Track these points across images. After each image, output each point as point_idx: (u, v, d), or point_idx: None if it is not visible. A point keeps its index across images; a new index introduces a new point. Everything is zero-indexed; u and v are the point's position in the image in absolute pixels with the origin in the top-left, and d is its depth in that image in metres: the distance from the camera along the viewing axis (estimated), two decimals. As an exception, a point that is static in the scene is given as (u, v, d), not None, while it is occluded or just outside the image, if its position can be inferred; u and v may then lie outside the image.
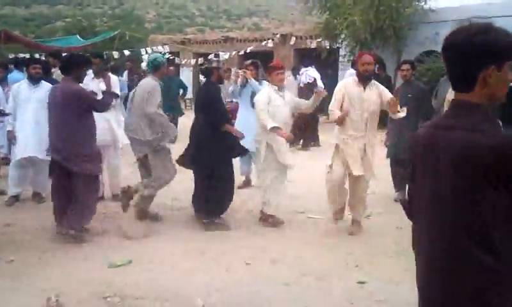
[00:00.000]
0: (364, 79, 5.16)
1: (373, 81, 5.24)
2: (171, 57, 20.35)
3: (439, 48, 14.52)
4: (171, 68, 12.21)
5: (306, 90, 11.32)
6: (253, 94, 6.39)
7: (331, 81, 18.01)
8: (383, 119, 6.01)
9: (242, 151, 5.84)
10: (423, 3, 15.11)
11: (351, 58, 15.77)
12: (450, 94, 5.00)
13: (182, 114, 11.87)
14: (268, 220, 5.64)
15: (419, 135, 1.82)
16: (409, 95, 6.53)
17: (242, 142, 6.82)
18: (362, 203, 5.42)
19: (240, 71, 7.11)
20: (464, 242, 1.60)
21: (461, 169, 1.58)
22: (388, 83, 11.92)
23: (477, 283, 1.59)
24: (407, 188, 2.08)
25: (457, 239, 1.62)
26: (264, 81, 6.82)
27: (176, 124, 7.88)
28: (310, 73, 12.02)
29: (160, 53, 20.72)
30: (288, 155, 5.79)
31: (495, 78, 1.61)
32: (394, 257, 4.68)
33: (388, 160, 6.78)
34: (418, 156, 1.82)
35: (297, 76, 11.81)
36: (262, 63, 7.31)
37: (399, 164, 6.60)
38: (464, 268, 1.61)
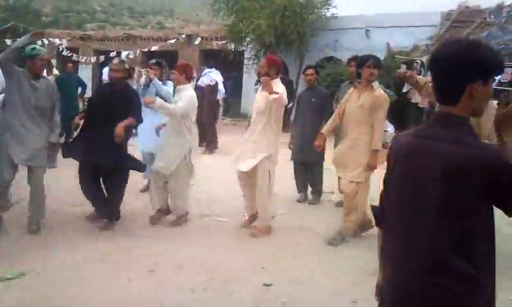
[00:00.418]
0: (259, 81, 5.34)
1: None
2: (69, 54, 19.33)
3: (338, 55, 15.29)
4: (70, 64, 11.56)
5: (207, 91, 11.31)
6: (157, 94, 6.20)
7: (235, 83, 18.23)
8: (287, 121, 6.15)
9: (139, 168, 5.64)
10: (326, 10, 15.67)
11: (256, 61, 16.04)
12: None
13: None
14: (177, 222, 5.60)
15: (399, 144, 1.84)
16: (313, 99, 6.72)
17: (145, 144, 6.64)
18: (261, 205, 5.39)
19: (143, 70, 6.86)
20: (445, 251, 1.63)
21: (446, 180, 1.61)
22: (290, 87, 12.25)
23: (457, 291, 1.63)
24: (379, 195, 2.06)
25: (437, 248, 1.65)
26: (169, 81, 6.66)
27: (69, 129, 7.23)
28: (213, 76, 12.05)
29: (58, 46, 19.71)
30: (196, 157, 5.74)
31: (480, 92, 1.66)
32: (299, 258, 4.76)
33: (291, 162, 6.90)
34: (396, 164, 1.83)
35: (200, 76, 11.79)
36: (167, 63, 7.13)
37: (302, 166, 6.78)
38: (444, 277, 1.64)
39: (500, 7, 13.28)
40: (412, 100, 10.97)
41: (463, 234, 1.61)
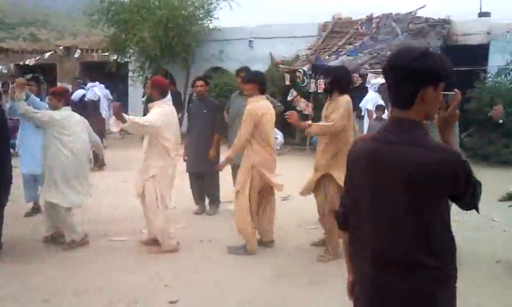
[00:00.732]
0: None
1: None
2: None
3: (224, 65, 15.51)
4: None
5: (91, 107, 10.88)
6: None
7: (121, 95, 17.68)
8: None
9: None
10: (208, 22, 15.82)
11: (141, 73, 15.73)
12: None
13: None
14: (72, 245, 5.30)
15: (359, 148, 1.94)
16: (204, 111, 6.75)
17: (27, 165, 6.21)
18: (154, 227, 5.26)
19: (12, 85, 6.41)
20: (410, 246, 1.77)
21: (411, 180, 1.74)
22: (178, 99, 12.18)
23: (422, 280, 1.77)
24: (340, 200, 2.19)
25: (403, 243, 1.78)
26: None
27: None
28: (97, 91, 11.60)
29: None
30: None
31: (431, 96, 1.81)
32: (202, 271, 4.75)
33: (187, 174, 6.88)
34: (358, 167, 1.93)
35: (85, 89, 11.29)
36: (45, 78, 6.73)
37: (198, 177, 6.78)
38: (412, 270, 1.77)
39: (370, 19, 14.42)
40: (297, 108, 11.46)
41: (425, 229, 1.76)
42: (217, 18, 15.87)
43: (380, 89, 10.51)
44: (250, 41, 15.61)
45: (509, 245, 5.33)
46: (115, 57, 16.43)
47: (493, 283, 4.51)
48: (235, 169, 6.18)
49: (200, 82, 6.89)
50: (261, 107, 5.10)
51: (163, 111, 5.10)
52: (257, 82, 5.24)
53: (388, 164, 1.81)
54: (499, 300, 4.19)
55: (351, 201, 2.01)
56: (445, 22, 13.26)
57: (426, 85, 1.80)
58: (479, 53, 12.39)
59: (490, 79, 11.46)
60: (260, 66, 13.49)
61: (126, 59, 16.43)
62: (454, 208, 2.03)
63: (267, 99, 6.51)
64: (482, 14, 14.41)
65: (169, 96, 5.41)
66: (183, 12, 15.16)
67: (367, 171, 1.89)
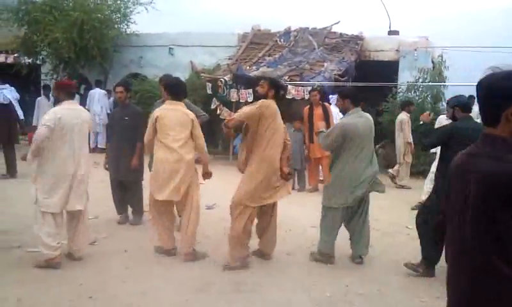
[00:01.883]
0: None
1: None
2: None
3: (143, 72, 15.27)
4: None
5: (1, 111, 10.23)
6: None
7: (33, 98, 16.80)
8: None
9: None
10: (126, 27, 15.51)
11: (55, 76, 15.07)
12: None
13: None
14: None
15: (454, 160, 2.09)
16: (126, 118, 6.60)
17: None
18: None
19: None
20: (487, 255, 1.88)
21: (485, 190, 1.86)
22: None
23: (498, 289, 1.87)
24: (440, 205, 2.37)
25: (480, 249, 1.90)
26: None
27: None
28: (6, 93, 10.94)
29: None
30: None
31: None
32: (128, 281, 4.64)
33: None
34: (452, 177, 2.06)
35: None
36: None
37: (120, 186, 6.62)
38: (487, 277, 1.89)
39: (288, 32, 14.87)
40: (221, 116, 11.56)
41: (499, 239, 1.86)
42: (134, 22, 15.62)
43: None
44: (170, 48, 15.51)
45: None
46: (26, 59, 15.63)
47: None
48: None
49: (119, 88, 6.72)
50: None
51: (51, 111, 4.93)
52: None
53: (465, 174, 1.96)
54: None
55: (448, 212, 2.14)
56: (358, 38, 14.00)
57: (509, 105, 1.89)
58: (390, 69, 13.22)
59: (400, 94, 12.24)
60: (181, 74, 13.45)
61: (38, 62, 15.65)
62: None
63: (190, 107, 6.55)
64: (392, 32, 15.38)
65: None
66: (99, 15, 14.74)
67: (452, 180, 2.08)
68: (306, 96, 11.49)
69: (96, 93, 14.08)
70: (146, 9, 15.41)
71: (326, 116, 9.41)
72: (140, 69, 15.73)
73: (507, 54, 11.86)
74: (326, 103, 9.67)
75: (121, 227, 6.45)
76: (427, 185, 8.27)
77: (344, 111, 5.34)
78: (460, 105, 5.08)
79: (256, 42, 14.91)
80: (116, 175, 6.59)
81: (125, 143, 6.50)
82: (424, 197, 8.20)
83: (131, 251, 5.48)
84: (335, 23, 14.82)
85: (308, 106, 9.63)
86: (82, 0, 14.68)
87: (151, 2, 15.43)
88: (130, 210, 6.73)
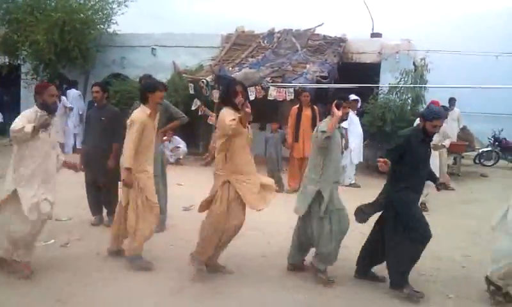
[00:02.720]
0: None
1: None
2: None
3: (126, 72, 15.14)
4: None
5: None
6: None
7: (13, 99, 16.58)
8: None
9: None
10: (107, 27, 15.37)
11: (35, 76, 14.88)
12: None
13: None
14: None
15: None
16: (102, 118, 6.50)
17: None
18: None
19: None
20: None
21: None
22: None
23: None
24: None
25: None
26: None
27: None
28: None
29: None
30: None
31: None
32: (99, 285, 4.54)
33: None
34: None
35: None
36: None
37: (95, 188, 6.52)
38: None
39: (271, 33, 14.84)
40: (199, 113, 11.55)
41: None
42: (116, 22, 15.48)
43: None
44: (153, 48, 15.39)
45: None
46: (7, 60, 15.44)
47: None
48: None
49: (95, 88, 6.62)
50: None
51: (24, 113, 4.73)
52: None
53: None
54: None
55: None
56: (341, 40, 14.02)
57: None
58: (372, 71, 13.26)
59: (381, 96, 12.27)
60: (163, 75, 13.36)
61: (19, 61, 15.46)
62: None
63: (169, 109, 6.46)
64: (374, 34, 15.41)
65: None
66: (81, 15, 14.59)
67: None
68: (288, 98, 11.50)
69: (71, 94, 13.93)
70: (127, 5, 15.30)
71: (314, 118, 9.43)
72: (122, 69, 15.59)
73: (486, 57, 12.00)
74: (315, 106, 9.69)
75: (95, 229, 6.34)
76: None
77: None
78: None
79: (240, 43, 14.86)
80: (91, 176, 6.49)
81: (101, 144, 6.39)
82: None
83: (104, 253, 5.37)
84: (319, 25, 14.82)
85: (297, 106, 9.63)
86: (64, 1, 14.51)
87: (133, 1, 15.34)
88: (105, 211, 6.62)
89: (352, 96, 9.59)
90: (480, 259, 4.13)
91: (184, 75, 13.34)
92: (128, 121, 4.97)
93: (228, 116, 4.51)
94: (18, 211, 4.47)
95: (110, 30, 15.41)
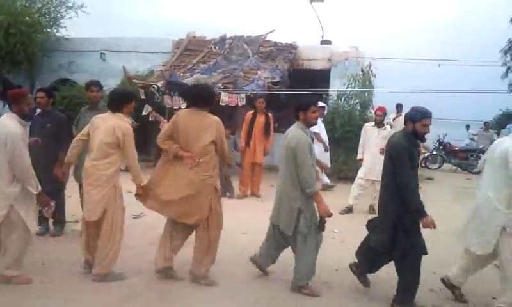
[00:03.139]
0: None
1: None
2: None
3: (74, 77, 14.79)
4: None
5: None
6: None
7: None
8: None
9: None
10: (55, 31, 14.98)
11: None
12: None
13: None
14: None
15: None
16: (48, 124, 6.33)
17: None
18: None
19: None
20: None
21: None
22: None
23: None
24: None
25: None
26: None
27: None
28: None
29: None
30: None
31: None
32: (43, 297, 4.40)
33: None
34: None
35: None
36: None
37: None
38: None
39: (223, 39, 14.89)
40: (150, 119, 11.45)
41: None
42: (65, 27, 15.14)
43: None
44: (102, 53, 15.13)
45: (346, 255, 5.82)
46: None
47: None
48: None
49: (40, 93, 6.45)
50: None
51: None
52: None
53: None
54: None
55: None
56: (292, 47, 14.24)
57: None
58: (322, 77, 13.53)
59: (331, 102, 12.54)
60: (113, 80, 13.15)
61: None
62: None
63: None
64: (324, 42, 15.74)
65: None
66: (27, 18, 14.15)
67: None
68: (240, 103, 11.57)
69: None
70: (76, 13, 14.99)
71: (268, 125, 9.54)
72: (70, 74, 15.24)
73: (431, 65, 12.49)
74: (269, 113, 9.78)
75: (41, 239, 6.14)
76: (354, 190, 8.50)
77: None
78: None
79: (191, 49, 14.84)
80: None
81: (45, 151, 6.19)
82: (351, 201, 8.45)
83: (49, 263, 5.23)
84: (270, 32, 15.01)
85: (252, 111, 9.71)
86: (10, 3, 14.03)
87: (81, 6, 15.02)
88: (51, 221, 6.43)
89: (320, 104, 9.74)
90: (426, 257, 4.28)
91: (134, 80, 13.16)
92: (120, 135, 4.77)
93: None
94: None
95: (58, 34, 15.03)
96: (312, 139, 4.95)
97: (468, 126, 20.37)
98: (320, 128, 9.86)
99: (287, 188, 4.69)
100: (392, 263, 4.56)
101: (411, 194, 4.27)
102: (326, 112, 10.63)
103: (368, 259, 4.83)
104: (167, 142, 4.79)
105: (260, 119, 9.56)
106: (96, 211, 4.76)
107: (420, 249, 4.35)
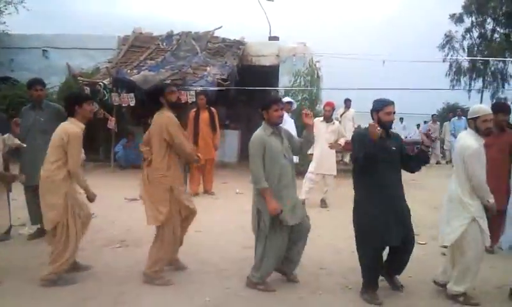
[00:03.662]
0: None
1: None
2: None
3: (15, 75, 14.22)
4: None
5: None
6: None
7: None
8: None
9: None
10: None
11: None
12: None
13: None
14: None
15: None
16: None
17: None
18: None
19: None
20: None
21: None
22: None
23: None
24: None
25: None
26: None
27: None
28: None
29: None
30: None
31: None
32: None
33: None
34: None
35: None
36: None
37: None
38: None
39: (170, 35, 14.72)
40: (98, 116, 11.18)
41: None
42: (5, 22, 14.51)
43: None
44: (45, 50, 14.61)
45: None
46: None
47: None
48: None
49: None
50: None
51: None
52: None
53: None
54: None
55: None
56: (240, 43, 14.26)
57: None
58: (271, 73, 13.65)
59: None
60: (57, 78, 12.73)
61: None
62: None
63: (63, 113, 6.16)
64: (272, 38, 15.88)
65: None
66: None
67: None
68: (190, 100, 11.48)
69: None
70: (17, 9, 14.40)
71: (212, 120, 9.51)
72: (11, 72, 14.63)
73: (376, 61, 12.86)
74: (212, 108, 9.75)
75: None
76: (305, 185, 8.64)
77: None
78: None
79: (138, 45, 14.57)
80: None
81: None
82: (303, 196, 8.54)
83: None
84: (218, 28, 14.95)
85: (194, 110, 9.65)
86: None
87: (21, 2, 14.43)
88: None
89: (286, 99, 9.78)
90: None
91: (79, 78, 12.80)
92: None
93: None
94: None
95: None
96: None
97: (401, 119, 21.23)
98: (288, 123, 9.94)
99: (253, 189, 4.74)
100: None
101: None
102: (294, 107, 10.71)
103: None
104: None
105: (204, 115, 9.53)
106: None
107: None
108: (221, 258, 5.61)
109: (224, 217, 7.69)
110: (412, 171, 4.85)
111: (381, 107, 4.54)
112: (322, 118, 8.84)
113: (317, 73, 12.91)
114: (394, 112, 4.63)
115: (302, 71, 12.61)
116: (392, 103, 4.58)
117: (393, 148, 4.58)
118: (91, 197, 4.84)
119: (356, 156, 4.58)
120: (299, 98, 12.43)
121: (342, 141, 8.87)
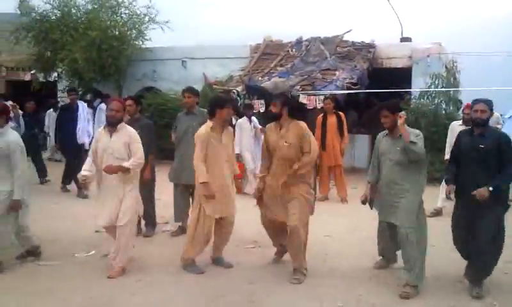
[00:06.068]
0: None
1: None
2: None
3: (157, 85, 15.40)
4: None
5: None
6: None
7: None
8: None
9: None
10: (141, 43, 15.64)
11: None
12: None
13: None
14: None
15: None
16: (138, 131, 6.62)
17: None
18: None
19: None
20: None
21: None
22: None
23: None
24: None
25: None
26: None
27: None
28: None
29: None
30: None
31: None
32: (139, 295, 4.65)
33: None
34: None
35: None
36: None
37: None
38: None
39: (299, 42, 14.87)
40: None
41: None
42: (150, 39, 15.76)
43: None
44: (183, 61, 15.61)
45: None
46: (41, 76, 15.96)
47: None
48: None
49: (129, 102, 6.71)
50: None
51: None
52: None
53: None
54: None
55: None
56: (370, 46, 13.92)
57: None
58: (403, 75, 13.12)
59: (414, 101, 12.11)
60: (194, 87, 13.46)
61: (54, 78, 15.93)
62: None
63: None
64: (404, 39, 15.28)
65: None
66: (116, 33, 14.91)
67: None
68: (319, 106, 11.46)
69: (104, 108, 14.03)
70: (162, 29, 15.57)
71: (340, 125, 9.36)
72: (154, 82, 15.87)
73: None
74: (341, 112, 9.62)
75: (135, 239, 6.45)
76: (442, 192, 8.10)
77: None
78: None
79: (268, 53, 14.94)
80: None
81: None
82: (440, 204, 8.03)
83: (145, 262, 5.50)
84: (347, 32, 14.76)
85: (321, 114, 9.60)
86: (99, 20, 14.76)
87: (167, 22, 15.57)
88: (143, 222, 6.72)
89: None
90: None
91: (214, 86, 13.49)
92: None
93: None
94: None
95: (143, 46, 15.69)
96: None
97: None
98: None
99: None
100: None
101: None
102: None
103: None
104: None
105: (331, 120, 9.36)
106: None
107: None
108: (351, 266, 5.51)
109: (353, 222, 7.48)
110: None
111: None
112: (461, 121, 8.25)
113: (454, 75, 12.09)
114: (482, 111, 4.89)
115: (440, 73, 11.89)
116: (475, 103, 4.96)
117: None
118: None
119: None
120: (436, 101, 11.76)
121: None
